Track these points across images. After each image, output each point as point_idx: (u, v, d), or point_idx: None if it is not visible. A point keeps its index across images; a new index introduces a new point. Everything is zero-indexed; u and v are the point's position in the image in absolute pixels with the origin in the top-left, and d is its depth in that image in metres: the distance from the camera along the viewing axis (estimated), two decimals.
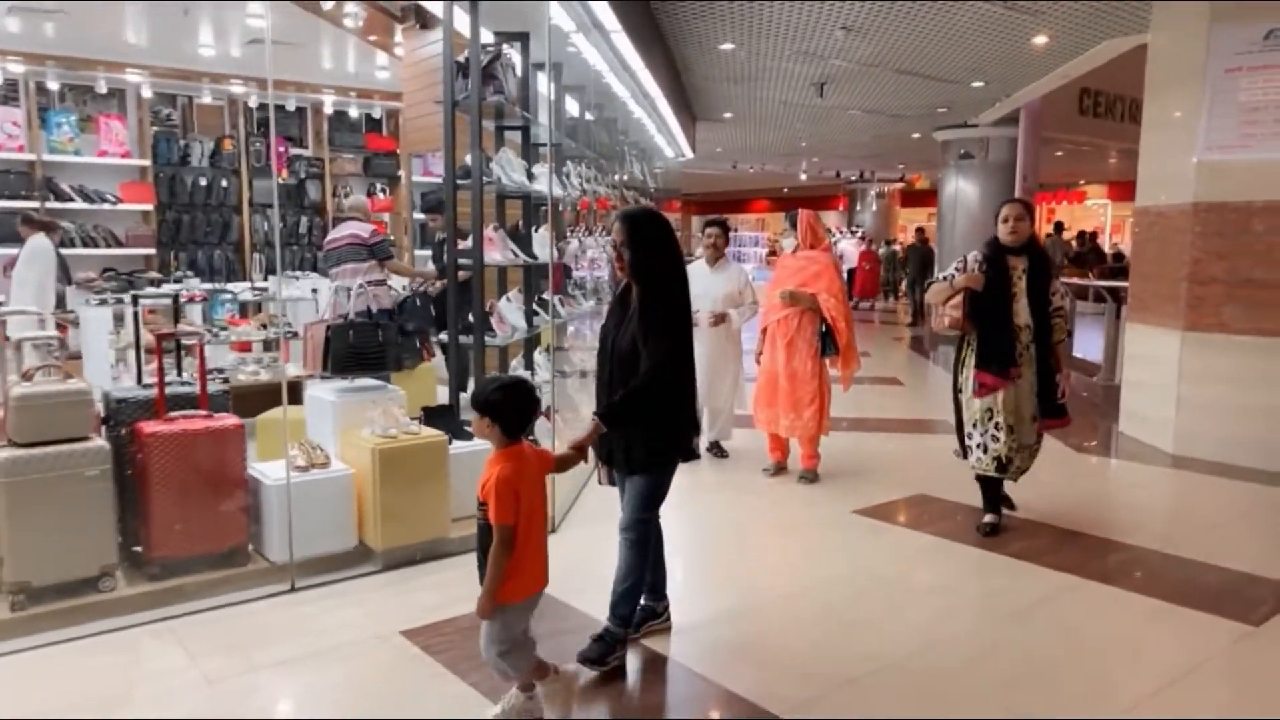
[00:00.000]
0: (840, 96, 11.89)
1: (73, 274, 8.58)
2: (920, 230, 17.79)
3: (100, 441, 3.40)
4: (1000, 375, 4.34)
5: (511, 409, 2.65)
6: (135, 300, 4.47)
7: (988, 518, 4.60)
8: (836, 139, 16.78)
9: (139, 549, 3.62)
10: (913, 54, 9.42)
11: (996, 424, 4.39)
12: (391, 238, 9.33)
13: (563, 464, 2.92)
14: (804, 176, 24.56)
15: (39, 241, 8.10)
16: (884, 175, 25.33)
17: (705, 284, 5.75)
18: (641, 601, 3.36)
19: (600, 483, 3.40)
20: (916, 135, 15.36)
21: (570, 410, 6.57)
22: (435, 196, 7.86)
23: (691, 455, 3.28)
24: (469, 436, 4.61)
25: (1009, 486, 4.74)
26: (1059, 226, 17.44)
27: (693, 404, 3.25)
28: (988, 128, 13.62)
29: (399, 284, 6.84)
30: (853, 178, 25.63)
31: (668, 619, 3.46)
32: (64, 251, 8.87)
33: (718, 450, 6.13)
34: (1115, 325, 8.75)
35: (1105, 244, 23.03)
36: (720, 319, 5.75)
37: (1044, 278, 4.36)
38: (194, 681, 2.97)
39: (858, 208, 26.96)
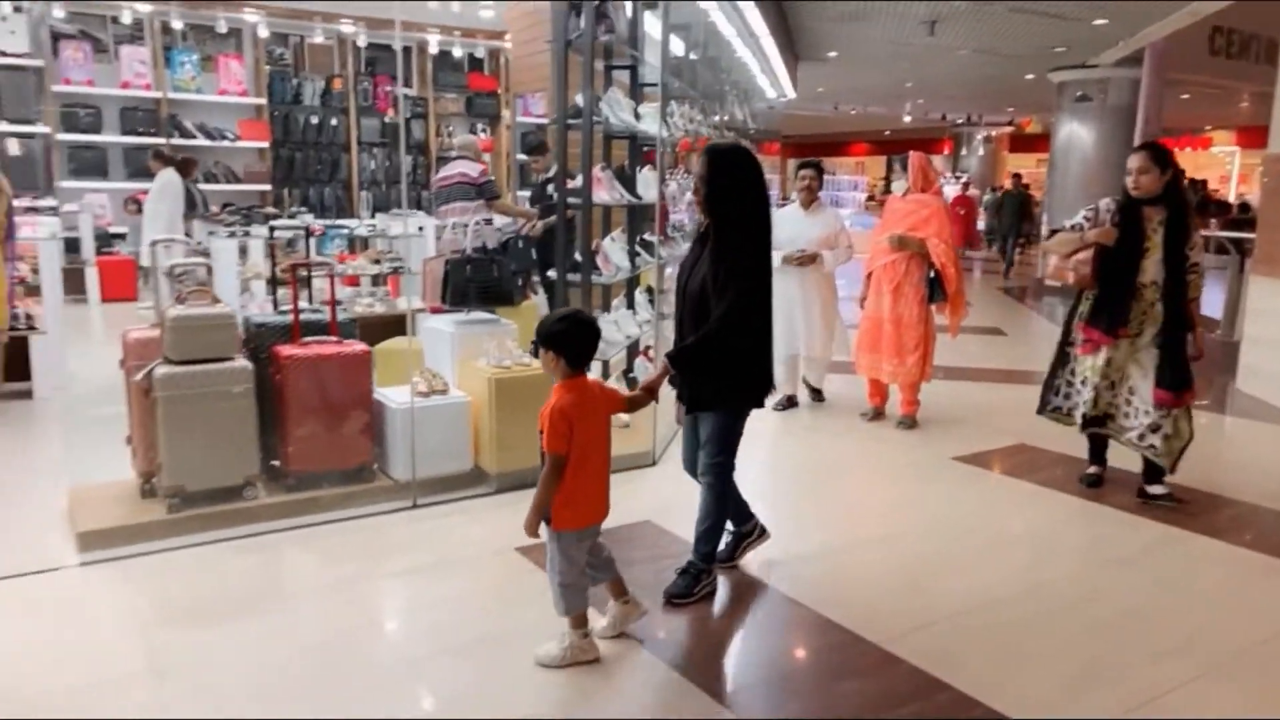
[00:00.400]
0: (951, 35, 11.47)
1: (209, 207, 9.05)
2: (1017, 176, 16.89)
3: (244, 362, 3.68)
4: (1107, 333, 4.14)
5: (574, 340, 2.70)
6: (271, 232, 4.75)
7: (1091, 469, 4.55)
8: (944, 80, 16.21)
9: (276, 463, 3.92)
10: None
11: (1102, 382, 4.20)
12: (493, 177, 9.55)
13: (633, 404, 2.98)
14: (908, 119, 23.80)
15: (168, 176, 8.58)
16: (992, 118, 24.38)
17: (798, 227, 5.66)
18: (730, 530, 3.46)
19: (677, 421, 3.38)
20: (1030, 76, 14.71)
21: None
22: (536, 138, 7.97)
23: (763, 403, 3.21)
24: None
25: (1175, 484, 4.28)
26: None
27: (768, 351, 3.16)
28: (1108, 68, 12.94)
29: (498, 223, 7.02)
30: (959, 121, 24.74)
31: (763, 533, 3.53)
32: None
33: (815, 394, 6.13)
34: (1239, 279, 8.36)
35: (1230, 194, 21.78)
36: (810, 259, 5.65)
37: (1182, 231, 4.02)
38: (331, 582, 3.25)
39: (963, 152, 26.07)
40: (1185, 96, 15.64)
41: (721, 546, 3.40)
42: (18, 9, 9.70)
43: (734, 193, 3.00)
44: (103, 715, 2.43)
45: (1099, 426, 4.33)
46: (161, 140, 10.59)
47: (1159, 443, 4.13)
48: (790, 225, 5.61)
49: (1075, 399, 4.32)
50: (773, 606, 3.26)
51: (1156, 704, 2.63)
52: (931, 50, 12.61)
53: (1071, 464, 4.76)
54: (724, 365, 3.04)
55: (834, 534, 3.94)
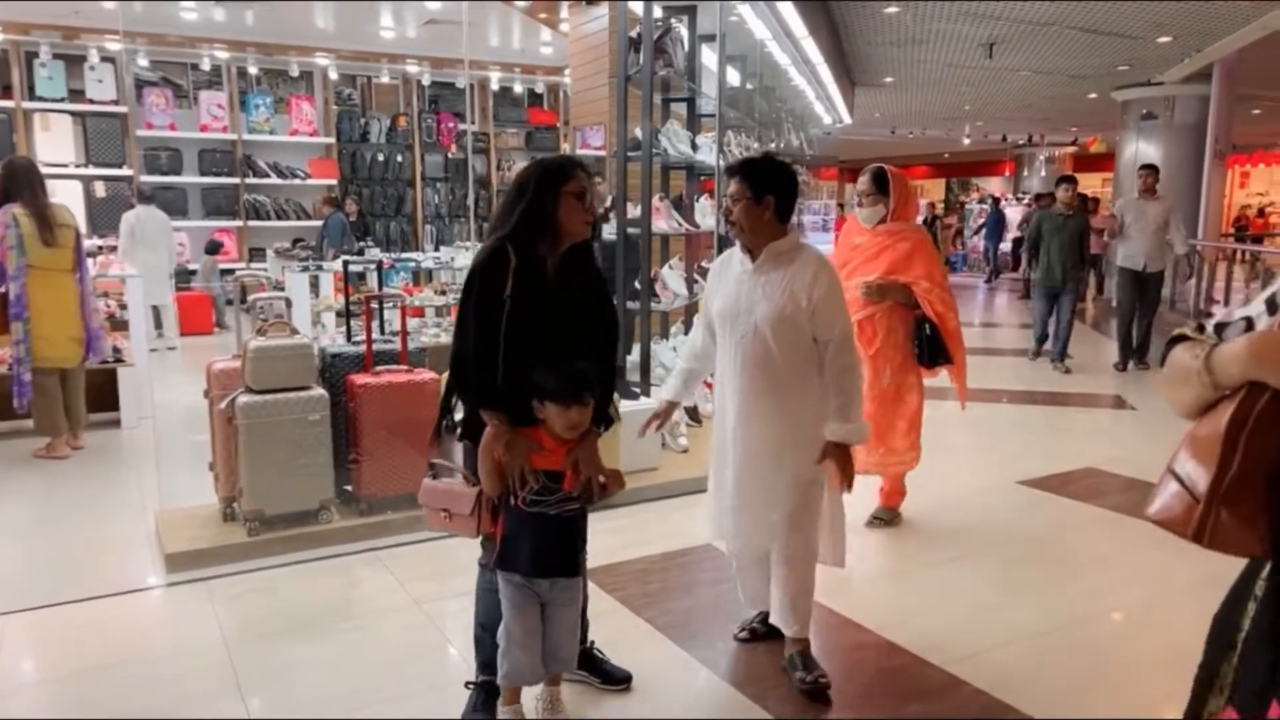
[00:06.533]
0: (1010, 57, 11.40)
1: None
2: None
3: (321, 390, 3.83)
4: None
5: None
6: (346, 266, 4.96)
7: None
8: (1004, 101, 16.05)
9: (349, 487, 4.06)
10: (1091, 10, 8.93)
11: None
12: None
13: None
14: (967, 141, 23.58)
15: (147, 213, 8.77)
16: (1055, 139, 24.00)
17: (736, 294, 2.79)
18: (483, 678, 2.64)
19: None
20: (1093, 96, 14.49)
21: None
22: (590, 170, 8.15)
23: None
24: (635, 395, 4.86)
25: None
26: None
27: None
28: (1174, 85, 12.70)
29: None
30: (1020, 142, 24.42)
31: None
32: (260, 224, 9.55)
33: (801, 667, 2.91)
34: None
35: None
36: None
37: None
38: (405, 601, 3.35)
39: (1025, 173, 25.71)
40: (1256, 111, 15.26)
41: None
42: (106, 59, 10.25)
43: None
44: None
45: None
46: (235, 180, 11.05)
47: None
48: (723, 292, 2.85)
49: None
50: (834, 630, 3.26)
51: None
52: (990, 72, 12.54)
53: (1144, 488, 4.65)
54: None
55: (895, 558, 3.93)
